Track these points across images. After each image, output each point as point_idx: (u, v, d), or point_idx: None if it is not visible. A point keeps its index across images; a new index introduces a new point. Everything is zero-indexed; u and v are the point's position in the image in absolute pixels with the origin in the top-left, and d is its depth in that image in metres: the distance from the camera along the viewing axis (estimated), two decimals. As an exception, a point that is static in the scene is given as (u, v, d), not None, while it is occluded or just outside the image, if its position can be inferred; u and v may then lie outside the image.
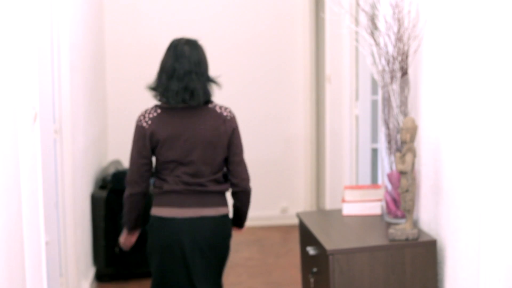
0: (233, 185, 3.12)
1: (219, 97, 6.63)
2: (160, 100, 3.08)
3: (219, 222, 3.06)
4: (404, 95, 2.93)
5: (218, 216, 3.06)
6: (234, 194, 3.15)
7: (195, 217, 3.02)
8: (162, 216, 3.04)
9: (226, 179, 3.13)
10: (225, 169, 3.13)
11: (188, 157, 3.02)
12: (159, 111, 3.06)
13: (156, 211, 3.07)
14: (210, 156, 3.04)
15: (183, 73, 3.02)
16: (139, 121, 3.07)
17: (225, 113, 3.10)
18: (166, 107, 3.05)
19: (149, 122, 3.04)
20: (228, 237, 3.12)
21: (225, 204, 3.11)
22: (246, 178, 3.12)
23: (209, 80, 3.12)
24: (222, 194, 3.11)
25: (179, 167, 3.03)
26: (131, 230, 3.21)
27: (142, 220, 3.16)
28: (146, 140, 3.03)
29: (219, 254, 3.09)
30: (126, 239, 3.28)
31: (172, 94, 3.01)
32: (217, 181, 3.08)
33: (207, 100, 3.10)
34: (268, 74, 6.45)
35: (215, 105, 3.13)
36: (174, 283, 3.06)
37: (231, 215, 3.18)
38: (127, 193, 3.09)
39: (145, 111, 3.08)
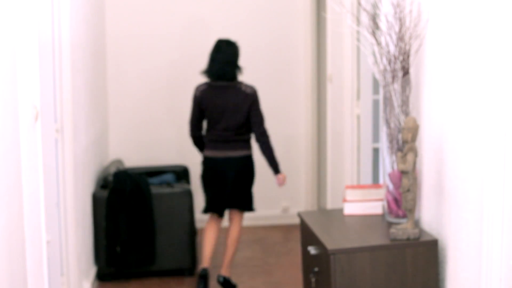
0: (254, 136, 4.69)
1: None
2: (208, 78, 4.67)
3: (241, 160, 4.66)
4: (406, 94, 2.92)
5: (240, 156, 4.66)
6: (257, 142, 4.69)
7: (225, 157, 4.64)
8: (207, 155, 4.71)
9: (248, 130, 4.69)
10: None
11: (221, 118, 4.61)
12: (206, 86, 4.68)
13: (205, 152, 4.73)
14: (234, 118, 4.60)
15: (220, 61, 4.63)
16: (194, 92, 4.73)
17: (247, 90, 4.64)
18: (211, 85, 4.65)
19: (199, 93, 4.69)
20: (249, 169, 4.72)
21: (246, 148, 4.69)
22: (262, 132, 4.65)
23: (237, 66, 4.70)
24: (245, 141, 4.68)
25: (216, 124, 4.64)
26: (201, 151, 4.85)
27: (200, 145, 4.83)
28: (197, 104, 4.69)
29: (244, 179, 4.71)
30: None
31: (213, 73, 4.64)
32: (240, 133, 4.64)
33: (235, 78, 4.65)
34: (269, 74, 6.45)
35: (241, 85, 4.66)
36: (218, 196, 4.71)
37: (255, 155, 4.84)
38: (191, 135, 4.81)
39: (199, 85, 4.73)
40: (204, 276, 4.62)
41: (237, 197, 4.72)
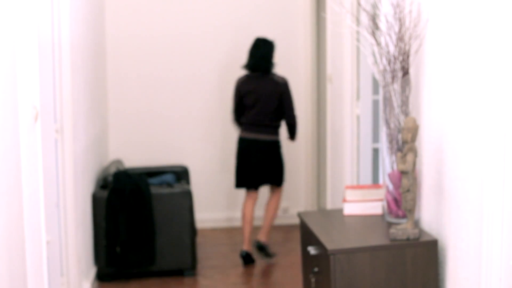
0: (285, 120, 5.41)
1: (220, 96, 6.65)
2: (246, 70, 5.43)
3: (269, 143, 5.37)
4: (405, 94, 2.93)
5: (269, 140, 5.36)
6: (286, 125, 5.44)
7: (256, 139, 5.35)
8: (241, 136, 5.42)
9: (278, 117, 5.39)
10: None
11: (255, 104, 5.34)
12: (245, 78, 5.44)
13: (240, 133, 5.44)
14: (266, 105, 5.33)
15: (257, 56, 5.39)
16: (236, 82, 5.49)
17: (279, 80, 5.38)
18: (249, 76, 5.42)
19: (239, 83, 5.44)
20: (275, 152, 5.40)
21: (275, 133, 5.40)
22: (291, 119, 5.40)
23: (270, 62, 5.41)
24: (274, 127, 5.39)
25: (250, 109, 5.37)
26: None
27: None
28: (237, 92, 5.44)
29: (270, 160, 5.38)
30: None
31: (250, 66, 5.40)
32: (270, 119, 5.36)
33: (269, 71, 5.39)
34: (269, 74, 6.44)
35: (274, 76, 5.40)
36: (245, 171, 5.40)
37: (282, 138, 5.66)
38: (234, 120, 5.53)
39: (240, 77, 5.48)
40: (245, 257, 5.28)
41: (267, 174, 5.41)
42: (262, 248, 5.42)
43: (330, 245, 2.70)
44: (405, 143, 2.73)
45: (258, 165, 5.35)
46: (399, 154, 2.75)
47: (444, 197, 2.71)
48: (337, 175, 5.24)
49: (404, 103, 2.93)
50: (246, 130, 5.39)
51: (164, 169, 6.05)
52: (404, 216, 2.95)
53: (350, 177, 4.79)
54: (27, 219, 2.69)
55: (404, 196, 2.73)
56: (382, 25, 2.96)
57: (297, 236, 5.81)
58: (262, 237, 5.46)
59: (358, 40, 3.31)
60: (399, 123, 2.93)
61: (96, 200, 4.94)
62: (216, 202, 6.51)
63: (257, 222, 6.13)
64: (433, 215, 2.84)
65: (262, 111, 5.33)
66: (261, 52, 5.39)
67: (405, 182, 2.72)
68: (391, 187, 2.97)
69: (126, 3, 6.32)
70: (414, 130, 2.72)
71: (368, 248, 2.69)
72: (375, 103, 4.57)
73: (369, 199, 3.13)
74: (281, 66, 6.47)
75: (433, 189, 2.83)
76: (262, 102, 5.32)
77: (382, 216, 3.10)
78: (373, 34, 2.98)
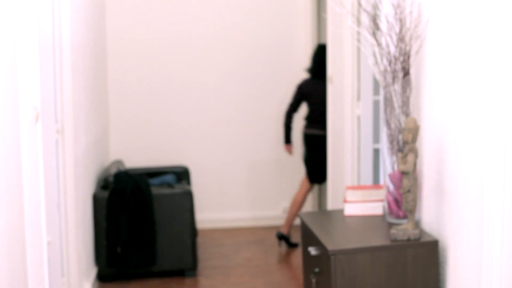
0: None
1: (220, 97, 6.65)
2: (308, 74, 6.01)
3: (323, 137, 5.76)
4: (406, 95, 2.93)
5: (323, 134, 5.77)
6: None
7: (312, 133, 5.94)
8: (304, 132, 5.99)
9: None
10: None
11: (314, 104, 5.92)
12: (307, 80, 5.98)
13: (303, 130, 6.01)
14: (322, 103, 5.74)
15: (317, 61, 5.88)
16: (300, 83, 6.00)
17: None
18: (310, 79, 5.97)
19: (301, 84, 5.98)
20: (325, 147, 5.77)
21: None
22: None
23: (324, 66, 5.67)
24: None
25: (310, 106, 5.96)
26: (286, 142, 6.08)
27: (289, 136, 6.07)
28: (300, 92, 5.98)
29: (317, 155, 5.85)
30: (286, 149, 6.12)
31: (311, 71, 5.95)
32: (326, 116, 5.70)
33: (325, 75, 5.65)
34: (269, 74, 6.45)
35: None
36: (307, 161, 5.98)
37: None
38: (286, 112, 6.03)
39: (303, 79, 6.01)
40: (280, 238, 5.90)
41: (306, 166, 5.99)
42: (282, 238, 5.87)
43: (330, 246, 2.70)
44: (405, 143, 2.73)
45: (309, 156, 5.94)
46: (399, 154, 2.75)
47: (444, 197, 2.71)
48: (338, 175, 5.23)
49: (405, 103, 2.93)
50: (308, 127, 5.99)
51: (165, 170, 6.05)
52: (404, 217, 2.95)
53: (351, 178, 4.79)
54: (28, 220, 2.69)
55: (404, 196, 2.73)
56: (383, 25, 2.96)
57: (297, 236, 5.81)
58: (283, 229, 5.90)
59: (358, 40, 3.31)
60: (400, 124, 2.93)
61: (96, 201, 4.95)
62: (217, 202, 6.51)
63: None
64: (433, 216, 2.84)
65: (320, 110, 5.83)
66: (321, 58, 5.84)
67: (405, 182, 2.72)
68: (391, 187, 2.97)
69: (126, 4, 6.32)
70: (414, 131, 2.72)
71: (369, 249, 2.69)
72: (376, 104, 4.57)
73: (369, 200, 3.13)
74: (282, 66, 6.48)
75: (434, 189, 2.83)
76: (319, 102, 5.82)
77: (382, 216, 3.10)
78: (374, 34, 2.98)
